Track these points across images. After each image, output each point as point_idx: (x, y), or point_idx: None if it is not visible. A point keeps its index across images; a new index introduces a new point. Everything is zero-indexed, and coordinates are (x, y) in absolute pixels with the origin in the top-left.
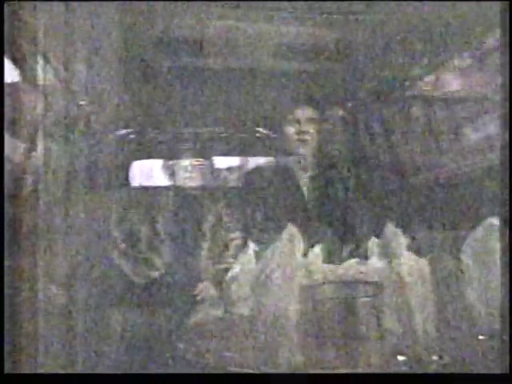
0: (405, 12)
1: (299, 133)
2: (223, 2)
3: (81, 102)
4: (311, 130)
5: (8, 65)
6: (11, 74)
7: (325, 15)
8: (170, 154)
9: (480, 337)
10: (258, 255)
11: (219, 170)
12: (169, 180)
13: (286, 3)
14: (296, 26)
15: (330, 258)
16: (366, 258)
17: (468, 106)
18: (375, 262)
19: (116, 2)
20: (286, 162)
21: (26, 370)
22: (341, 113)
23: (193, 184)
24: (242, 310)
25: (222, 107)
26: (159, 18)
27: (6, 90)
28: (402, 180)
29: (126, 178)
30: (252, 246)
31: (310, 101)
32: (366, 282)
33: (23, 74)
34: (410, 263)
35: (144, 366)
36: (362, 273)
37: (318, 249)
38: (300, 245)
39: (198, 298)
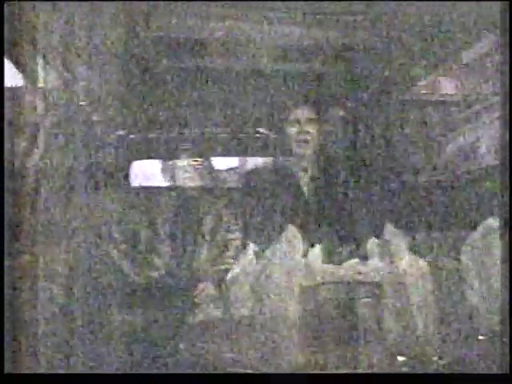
0: (405, 12)
1: (299, 133)
2: (223, 3)
3: (81, 103)
4: (311, 131)
5: (10, 68)
6: (14, 78)
7: (325, 16)
8: (169, 155)
9: (480, 337)
10: (257, 256)
11: (219, 170)
12: (169, 180)
13: (286, 4)
14: (296, 26)
15: (329, 258)
16: (366, 258)
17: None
18: (375, 263)
19: (116, 2)
20: (286, 162)
21: (26, 370)
22: (341, 113)
23: (193, 184)
24: (241, 311)
25: (222, 107)
26: (159, 18)
27: (7, 91)
28: (401, 180)
29: (126, 179)
30: (252, 247)
31: (310, 101)
32: (366, 283)
33: (23, 74)
34: (409, 263)
35: (144, 366)
36: (361, 273)
37: (317, 249)
38: (300, 245)
39: (198, 298)
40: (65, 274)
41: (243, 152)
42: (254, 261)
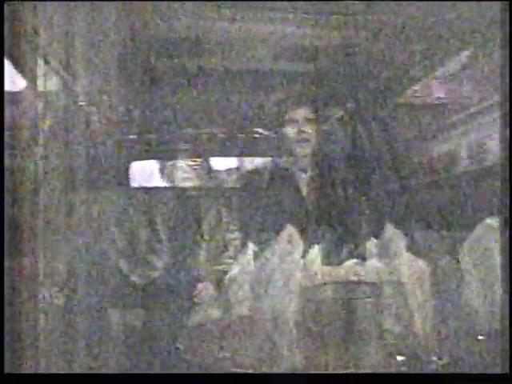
0: (405, 12)
1: (298, 133)
2: (223, 2)
3: (80, 103)
4: (310, 131)
5: (10, 68)
6: (14, 79)
7: (325, 16)
8: (169, 155)
9: (480, 337)
10: (257, 256)
11: (218, 170)
12: (168, 181)
13: (285, 3)
14: (295, 26)
15: (329, 258)
16: (365, 258)
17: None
18: (374, 263)
19: (116, 2)
20: (284, 162)
21: (26, 370)
22: (340, 113)
23: (191, 185)
24: (241, 311)
25: (222, 107)
26: (159, 17)
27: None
28: (401, 180)
29: (126, 179)
30: (251, 247)
31: (308, 101)
32: (365, 283)
33: (23, 75)
34: (409, 264)
35: (144, 366)
36: (361, 274)
37: (317, 249)
38: (299, 245)
39: (198, 298)
40: (65, 274)
41: (242, 152)
42: (253, 261)
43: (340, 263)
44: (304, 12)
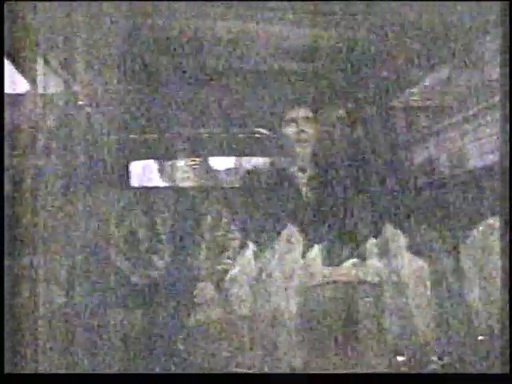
0: (405, 12)
1: (297, 133)
2: (223, 2)
3: (80, 102)
4: (309, 130)
5: (12, 72)
6: (17, 83)
7: (324, 16)
8: (169, 155)
9: (480, 337)
10: (257, 256)
11: (217, 170)
12: (167, 181)
13: (285, 3)
14: (295, 26)
15: (329, 258)
16: (365, 258)
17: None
18: (374, 263)
19: (116, 3)
20: (284, 162)
21: (26, 370)
22: (340, 113)
23: (191, 184)
24: (241, 311)
25: (222, 107)
26: (159, 17)
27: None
28: (401, 180)
29: (126, 178)
30: (251, 247)
31: (306, 100)
32: (366, 283)
33: (23, 74)
34: (409, 264)
35: (144, 366)
36: (361, 273)
37: (317, 249)
38: (299, 245)
39: (197, 298)
40: (65, 274)
41: (241, 152)
42: (253, 261)
43: (340, 263)
44: (304, 12)
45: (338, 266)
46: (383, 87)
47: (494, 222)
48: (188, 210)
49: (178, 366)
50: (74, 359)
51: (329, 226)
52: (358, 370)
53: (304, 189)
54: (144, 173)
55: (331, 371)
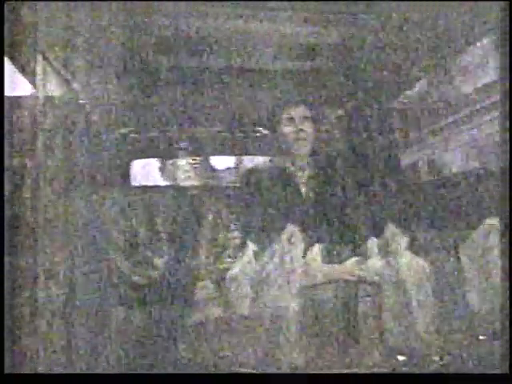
0: (405, 12)
1: (296, 132)
2: (223, 2)
3: (80, 101)
4: (307, 129)
5: (12, 71)
6: (17, 82)
7: (324, 15)
8: (169, 154)
9: (480, 337)
10: (257, 255)
11: (218, 169)
12: (168, 180)
13: (285, 3)
14: (294, 25)
15: (329, 257)
16: (366, 257)
17: None
18: (375, 262)
19: (116, 3)
20: (283, 161)
21: (26, 370)
22: (339, 112)
23: (191, 183)
24: (241, 310)
25: (221, 107)
26: (160, 17)
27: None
28: (401, 180)
29: (126, 178)
30: (251, 246)
31: (304, 99)
32: (366, 282)
33: (23, 74)
34: (409, 263)
35: (144, 366)
36: (361, 273)
37: (317, 249)
38: (299, 245)
39: (198, 298)
40: (65, 273)
41: (242, 151)
42: (254, 260)
43: (340, 262)
44: (303, 11)
45: (338, 265)
46: (383, 86)
47: (494, 221)
48: (188, 209)
49: (177, 365)
50: (74, 359)
51: (329, 225)
52: (358, 370)
53: (304, 188)
54: (145, 171)
55: (331, 371)
